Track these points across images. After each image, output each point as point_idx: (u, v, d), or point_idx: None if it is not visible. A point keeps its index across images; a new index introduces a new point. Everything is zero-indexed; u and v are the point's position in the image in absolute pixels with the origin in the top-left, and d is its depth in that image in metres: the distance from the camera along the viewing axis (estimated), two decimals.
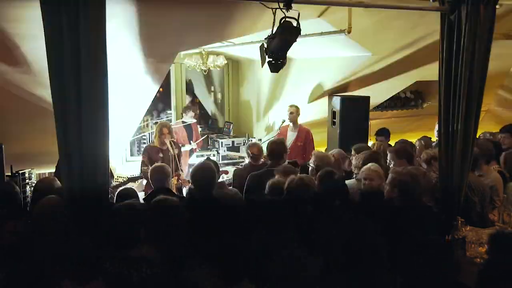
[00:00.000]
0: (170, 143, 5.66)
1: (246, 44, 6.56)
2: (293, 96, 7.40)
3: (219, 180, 4.33)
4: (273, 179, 3.79)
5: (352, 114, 6.75)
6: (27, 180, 5.02)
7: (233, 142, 8.03)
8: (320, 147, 6.97)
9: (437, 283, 2.50)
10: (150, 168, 4.32)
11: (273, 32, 3.50)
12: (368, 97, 6.91)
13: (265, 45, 3.71)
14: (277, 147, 4.75)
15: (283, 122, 6.84)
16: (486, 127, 7.48)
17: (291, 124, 6.71)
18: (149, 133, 8.44)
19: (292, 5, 3.24)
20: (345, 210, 3.40)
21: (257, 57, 3.95)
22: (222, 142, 7.92)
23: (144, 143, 8.22)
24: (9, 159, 4.90)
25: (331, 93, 7.18)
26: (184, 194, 5.37)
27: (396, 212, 3.43)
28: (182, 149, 6.56)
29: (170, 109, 9.04)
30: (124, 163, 7.77)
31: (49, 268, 2.52)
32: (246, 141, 7.83)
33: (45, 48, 2.74)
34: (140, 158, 6.03)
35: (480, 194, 4.15)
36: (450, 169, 3.82)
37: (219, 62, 8.14)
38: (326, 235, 3.03)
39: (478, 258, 3.36)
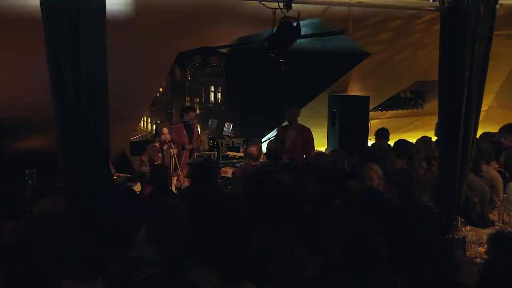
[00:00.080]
0: (170, 143, 5.66)
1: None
2: (293, 96, 7.40)
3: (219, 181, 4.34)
4: (273, 178, 3.79)
5: (352, 114, 6.74)
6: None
7: (233, 142, 8.02)
8: (320, 147, 6.97)
9: (437, 283, 2.50)
10: (150, 168, 4.33)
11: (273, 32, 3.50)
12: (368, 97, 6.91)
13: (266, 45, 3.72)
14: (276, 147, 4.75)
15: (283, 122, 6.84)
16: (486, 127, 7.47)
17: (291, 124, 6.70)
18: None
19: (292, 5, 3.24)
20: (345, 210, 3.40)
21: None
22: (222, 142, 7.92)
23: (144, 143, 8.20)
24: (9, 159, 4.90)
25: (331, 93, 7.18)
26: None
27: (396, 212, 3.42)
28: (182, 149, 6.55)
29: (171, 109, 9.04)
30: (124, 163, 7.75)
31: (49, 268, 2.52)
32: (246, 141, 7.82)
33: None
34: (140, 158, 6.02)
35: (480, 194, 4.14)
36: (450, 169, 3.82)
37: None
38: (326, 235, 3.02)
39: (478, 258, 3.37)
